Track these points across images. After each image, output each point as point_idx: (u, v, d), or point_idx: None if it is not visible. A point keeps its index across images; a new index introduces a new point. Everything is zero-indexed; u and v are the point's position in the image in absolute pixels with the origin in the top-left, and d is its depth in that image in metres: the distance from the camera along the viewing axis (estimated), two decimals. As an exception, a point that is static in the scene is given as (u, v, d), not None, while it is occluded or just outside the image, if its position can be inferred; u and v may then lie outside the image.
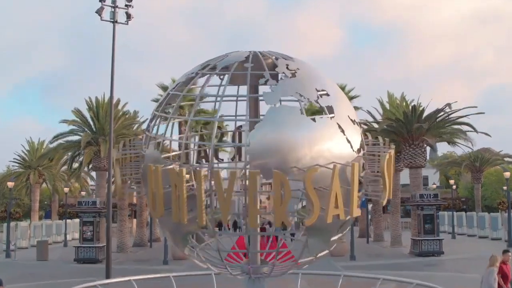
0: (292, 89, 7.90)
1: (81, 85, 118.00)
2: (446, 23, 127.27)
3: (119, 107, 31.10)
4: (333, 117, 7.78)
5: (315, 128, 7.74)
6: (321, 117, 7.88)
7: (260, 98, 8.46)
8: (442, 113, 29.48)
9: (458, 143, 31.38)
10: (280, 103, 8.40)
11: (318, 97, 7.83)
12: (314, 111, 11.08)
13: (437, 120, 29.50)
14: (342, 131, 7.80)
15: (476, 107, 29.16)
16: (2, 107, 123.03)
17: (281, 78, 8.01)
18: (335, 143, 7.74)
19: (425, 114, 29.12)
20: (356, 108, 33.41)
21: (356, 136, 8.07)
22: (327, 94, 8.07)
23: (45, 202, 64.89)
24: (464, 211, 51.10)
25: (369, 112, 34.13)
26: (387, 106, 34.13)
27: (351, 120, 8.20)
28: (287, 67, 8.06)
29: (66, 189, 43.38)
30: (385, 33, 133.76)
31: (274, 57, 8.38)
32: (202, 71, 8.68)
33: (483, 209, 52.74)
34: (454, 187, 56.26)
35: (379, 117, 34.25)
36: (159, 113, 9.38)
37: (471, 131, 30.26)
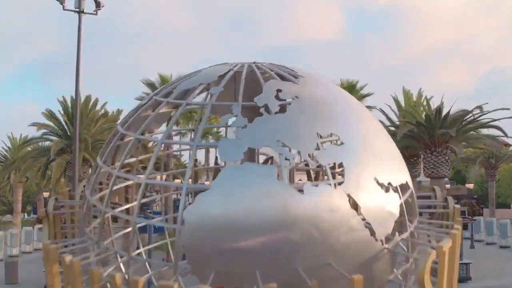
0: (270, 135, 4.84)
1: (82, 69, 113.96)
2: (448, 7, 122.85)
3: (98, 107, 27.33)
4: (341, 183, 4.80)
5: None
6: (317, 185, 4.85)
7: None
8: (469, 115, 25.61)
9: (485, 148, 27.62)
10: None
11: (318, 147, 4.94)
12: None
13: (463, 123, 25.64)
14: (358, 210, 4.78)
15: (508, 109, 25.21)
16: (1, 92, 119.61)
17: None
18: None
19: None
20: (369, 107, 29.60)
21: (389, 220, 4.91)
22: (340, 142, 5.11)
23: (33, 198, 61.56)
24: (480, 213, 47.76)
25: (382, 111, 30.23)
26: (402, 103, 30.39)
27: (381, 184, 5.00)
28: (277, 95, 5.10)
29: (45, 194, 39.64)
30: (385, 17, 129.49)
31: (265, 74, 5.58)
32: (156, 97, 6.07)
33: (497, 206, 50.32)
34: (471, 185, 52.63)
35: (391, 115, 30.64)
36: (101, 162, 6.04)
37: (501, 136, 26.53)
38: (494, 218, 37.46)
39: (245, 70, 5.91)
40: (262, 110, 5.11)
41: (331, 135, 5.55)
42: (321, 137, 5.03)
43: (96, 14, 18.12)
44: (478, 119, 25.54)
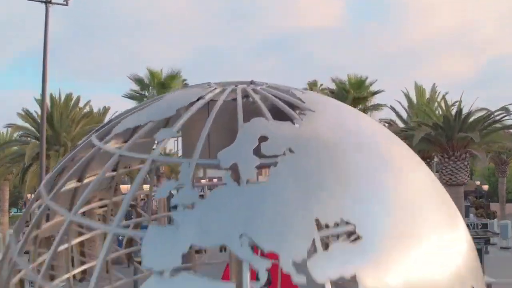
0: (231, 224, 2.57)
1: (81, 56, 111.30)
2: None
3: (80, 105, 24.73)
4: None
5: None
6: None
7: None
8: (491, 117, 23.08)
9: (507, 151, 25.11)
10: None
11: (313, 248, 2.55)
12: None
13: (485, 125, 23.11)
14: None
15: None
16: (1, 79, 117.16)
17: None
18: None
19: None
20: (379, 106, 27.05)
21: None
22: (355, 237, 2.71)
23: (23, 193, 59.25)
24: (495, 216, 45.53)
25: (393, 108, 27.62)
26: (413, 98, 27.83)
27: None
28: (258, 146, 2.77)
29: (29, 195, 37.15)
30: (385, 5, 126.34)
31: (252, 104, 3.37)
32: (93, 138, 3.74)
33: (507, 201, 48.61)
34: (478, 183, 50.61)
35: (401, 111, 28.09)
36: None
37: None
38: (509, 221, 35.23)
39: (223, 97, 3.42)
40: (226, 175, 2.71)
41: (341, 222, 2.99)
42: (322, 226, 2.79)
43: (66, 4, 15.63)
44: (503, 120, 23.02)
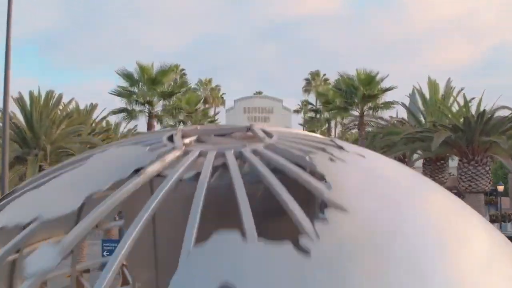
0: None
1: (81, 42, 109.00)
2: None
3: (62, 103, 22.54)
4: None
5: None
6: None
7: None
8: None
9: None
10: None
11: None
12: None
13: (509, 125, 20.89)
14: None
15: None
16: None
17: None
18: None
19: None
20: (390, 104, 24.84)
21: None
22: None
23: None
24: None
25: (404, 105, 25.35)
26: (427, 94, 25.58)
27: None
28: None
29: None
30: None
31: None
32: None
33: None
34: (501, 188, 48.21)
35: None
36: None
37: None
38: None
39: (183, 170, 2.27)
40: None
41: None
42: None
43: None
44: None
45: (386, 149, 27.09)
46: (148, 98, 23.05)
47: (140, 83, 23.31)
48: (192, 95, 33.04)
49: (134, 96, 22.96)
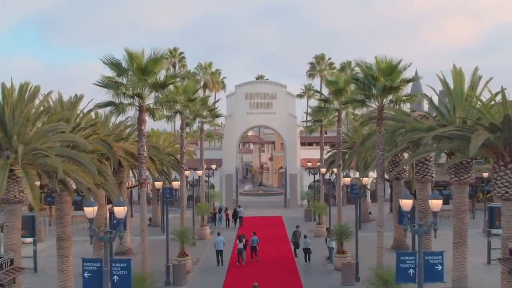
0: None
1: (81, 23, 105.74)
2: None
3: (42, 94, 19.76)
4: None
5: None
6: None
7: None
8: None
9: None
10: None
11: None
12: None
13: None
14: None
15: None
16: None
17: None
18: None
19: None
20: (414, 96, 21.94)
21: None
22: None
23: None
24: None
25: (425, 95, 22.45)
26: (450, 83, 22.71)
27: None
28: None
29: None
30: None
31: None
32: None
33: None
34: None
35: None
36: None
37: None
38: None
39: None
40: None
41: None
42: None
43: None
44: None
45: (410, 148, 24.35)
46: (138, 90, 20.19)
47: (130, 73, 20.43)
48: (189, 84, 30.19)
49: (123, 87, 20.10)
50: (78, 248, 30.32)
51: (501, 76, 19.53)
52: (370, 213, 44.91)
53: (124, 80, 20.57)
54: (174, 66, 75.15)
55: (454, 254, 22.98)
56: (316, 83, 76.21)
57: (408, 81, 20.27)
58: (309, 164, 50.85)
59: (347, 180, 25.73)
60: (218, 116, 43.80)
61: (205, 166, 46.73)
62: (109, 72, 20.48)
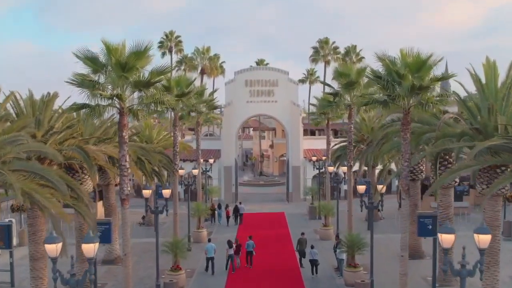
0: None
1: (79, 5, 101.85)
2: None
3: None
4: None
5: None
6: None
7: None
8: None
9: None
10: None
11: None
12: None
13: None
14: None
15: None
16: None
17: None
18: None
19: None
20: (446, 96, 18.62)
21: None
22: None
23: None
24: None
25: (456, 94, 19.12)
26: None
27: None
28: None
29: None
30: None
31: None
32: None
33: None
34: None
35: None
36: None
37: None
38: None
39: None
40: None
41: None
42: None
43: None
44: None
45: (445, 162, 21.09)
46: (118, 90, 16.96)
47: (109, 68, 17.16)
48: (183, 76, 26.86)
49: (99, 87, 16.86)
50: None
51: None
52: (378, 210, 41.95)
53: (102, 78, 17.28)
54: (170, 51, 71.48)
55: (484, 275, 19.95)
56: (319, 68, 72.77)
57: (440, 79, 16.95)
58: (314, 158, 47.66)
59: (362, 189, 22.60)
60: (215, 108, 40.42)
61: (202, 160, 43.57)
62: (84, 68, 17.14)
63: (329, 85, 28.82)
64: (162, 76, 18.28)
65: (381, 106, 17.30)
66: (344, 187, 42.25)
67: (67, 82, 17.11)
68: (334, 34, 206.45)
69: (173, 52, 71.49)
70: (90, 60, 17.06)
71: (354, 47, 70.17)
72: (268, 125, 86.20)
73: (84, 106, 16.80)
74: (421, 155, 20.14)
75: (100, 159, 20.59)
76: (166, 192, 22.36)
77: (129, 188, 17.68)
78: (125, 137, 17.37)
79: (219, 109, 48.30)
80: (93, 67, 17.13)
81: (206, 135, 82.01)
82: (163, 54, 71.60)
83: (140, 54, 16.78)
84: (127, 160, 17.54)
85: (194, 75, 71.24)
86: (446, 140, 17.44)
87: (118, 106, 17.18)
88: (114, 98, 16.56)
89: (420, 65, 16.61)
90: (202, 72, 70.69)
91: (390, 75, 16.91)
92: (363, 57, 70.03)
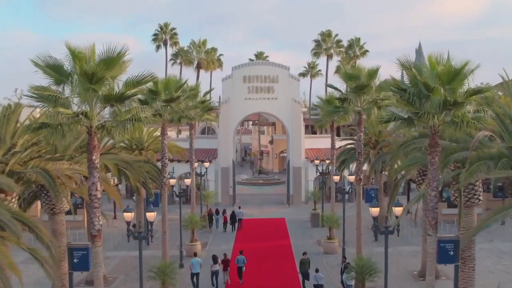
0: None
1: None
2: None
3: None
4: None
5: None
6: None
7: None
8: None
9: None
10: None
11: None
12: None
13: None
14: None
15: None
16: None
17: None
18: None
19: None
20: (482, 114, 15.56)
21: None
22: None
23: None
24: None
25: (496, 116, 16.11)
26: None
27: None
28: None
29: None
30: None
31: None
32: None
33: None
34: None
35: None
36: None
37: None
38: None
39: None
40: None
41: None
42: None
43: None
44: None
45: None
46: (86, 105, 13.99)
47: (75, 77, 14.15)
48: (171, 80, 23.78)
49: (61, 102, 13.86)
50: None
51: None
52: (386, 217, 39.15)
53: (66, 90, 14.28)
54: (165, 44, 68.20)
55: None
56: (321, 62, 69.55)
57: (477, 92, 13.90)
58: (317, 162, 44.64)
59: (375, 211, 19.65)
60: (211, 109, 37.30)
61: (196, 164, 40.61)
62: (45, 79, 14.12)
63: (336, 88, 25.80)
64: (143, 87, 15.26)
65: (405, 125, 14.24)
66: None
67: (26, 96, 14.14)
68: (334, 22, 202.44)
69: (168, 45, 68.22)
70: (52, 68, 14.01)
71: (358, 39, 66.91)
72: (268, 119, 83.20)
73: (43, 125, 13.76)
74: (454, 186, 17.29)
75: (71, 182, 17.61)
76: (150, 216, 19.43)
77: (101, 222, 14.72)
78: (95, 161, 14.38)
79: (216, 108, 45.17)
80: (56, 77, 14.10)
81: (204, 131, 78.98)
82: (158, 47, 68.35)
83: (112, 61, 13.74)
84: (99, 188, 14.56)
85: (190, 69, 68.12)
86: (481, 164, 14.47)
87: (86, 124, 14.17)
88: (80, 115, 13.52)
89: (453, 75, 13.55)
90: (198, 67, 67.44)
91: (416, 86, 13.87)
92: (367, 50, 66.89)
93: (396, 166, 23.17)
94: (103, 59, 13.71)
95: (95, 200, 14.53)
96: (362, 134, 24.42)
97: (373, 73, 23.22)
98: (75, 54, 13.84)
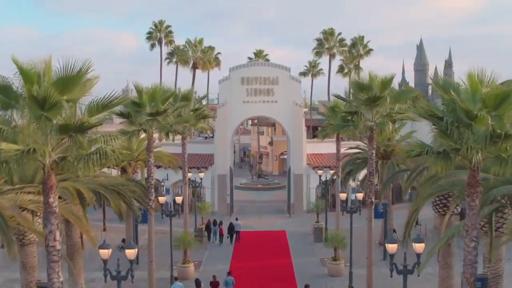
0: None
1: None
2: None
3: None
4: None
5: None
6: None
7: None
8: None
9: None
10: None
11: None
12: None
13: None
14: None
15: None
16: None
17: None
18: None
19: None
20: None
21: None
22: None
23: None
24: None
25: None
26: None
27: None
28: None
29: None
30: None
31: None
32: None
33: None
34: None
35: None
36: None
37: None
38: None
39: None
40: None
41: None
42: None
43: None
44: None
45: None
46: (40, 137, 11.14)
47: (25, 99, 11.27)
48: (158, 89, 20.88)
49: (9, 131, 11.00)
50: None
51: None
52: (394, 231, 36.40)
53: (15, 118, 11.43)
54: (160, 42, 65.16)
55: None
56: (323, 60, 66.65)
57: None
58: (320, 172, 41.75)
59: (393, 248, 16.85)
60: (205, 117, 34.36)
61: (190, 174, 37.80)
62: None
63: (343, 99, 22.94)
64: (112, 109, 12.37)
65: (439, 159, 11.32)
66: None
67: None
68: (335, 17, 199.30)
69: (163, 44, 65.19)
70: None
71: (362, 38, 63.89)
72: (268, 119, 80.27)
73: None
74: (503, 241, 14.58)
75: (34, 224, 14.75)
76: (130, 253, 16.62)
77: (61, 279, 11.87)
78: (53, 205, 11.52)
79: (210, 117, 42.34)
80: (2, 101, 11.23)
81: (201, 132, 76.12)
82: (152, 46, 65.31)
83: (71, 81, 10.85)
84: (57, 238, 11.71)
85: (186, 69, 65.15)
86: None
87: (40, 160, 11.30)
88: (30, 151, 10.64)
89: (502, 97, 10.69)
90: (195, 67, 64.40)
91: (454, 113, 11.01)
92: (371, 49, 63.94)
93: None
94: (59, 78, 10.83)
95: (53, 253, 11.68)
96: (374, 152, 21.54)
97: (387, 82, 20.36)
98: (24, 72, 10.95)
